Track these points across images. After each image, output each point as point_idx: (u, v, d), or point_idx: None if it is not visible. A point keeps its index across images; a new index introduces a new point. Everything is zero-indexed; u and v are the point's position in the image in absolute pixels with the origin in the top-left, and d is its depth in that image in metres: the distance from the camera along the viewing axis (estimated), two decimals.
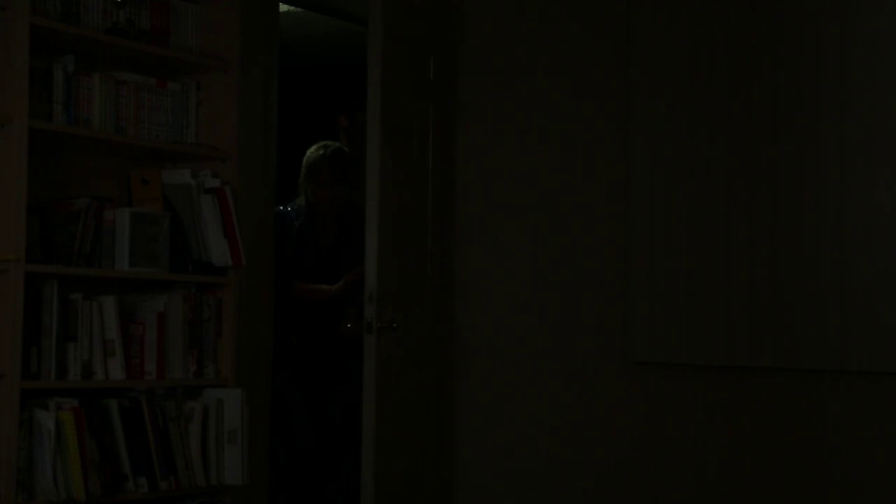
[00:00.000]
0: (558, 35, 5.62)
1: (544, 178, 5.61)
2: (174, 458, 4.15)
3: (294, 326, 5.28)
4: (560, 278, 5.57)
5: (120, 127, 4.17)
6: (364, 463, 4.76)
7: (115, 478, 3.99)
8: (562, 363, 5.55)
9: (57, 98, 3.97)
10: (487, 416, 5.61)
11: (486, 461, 5.62)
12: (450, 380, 5.59)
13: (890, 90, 4.92)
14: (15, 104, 3.80)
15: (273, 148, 5.03)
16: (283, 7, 5.29)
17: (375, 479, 4.76)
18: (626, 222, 5.44)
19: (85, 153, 4.24)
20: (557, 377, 5.55)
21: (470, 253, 5.68)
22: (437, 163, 5.52)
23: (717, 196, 5.24)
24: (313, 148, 5.34)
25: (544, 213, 5.60)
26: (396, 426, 5.04)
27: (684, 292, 5.27)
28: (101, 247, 4.07)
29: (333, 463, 5.29)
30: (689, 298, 5.26)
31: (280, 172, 5.14)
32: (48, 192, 4.06)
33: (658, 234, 5.36)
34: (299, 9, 5.62)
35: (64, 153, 4.19)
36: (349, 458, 5.17)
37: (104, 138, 4.11)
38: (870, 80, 4.96)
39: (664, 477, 5.33)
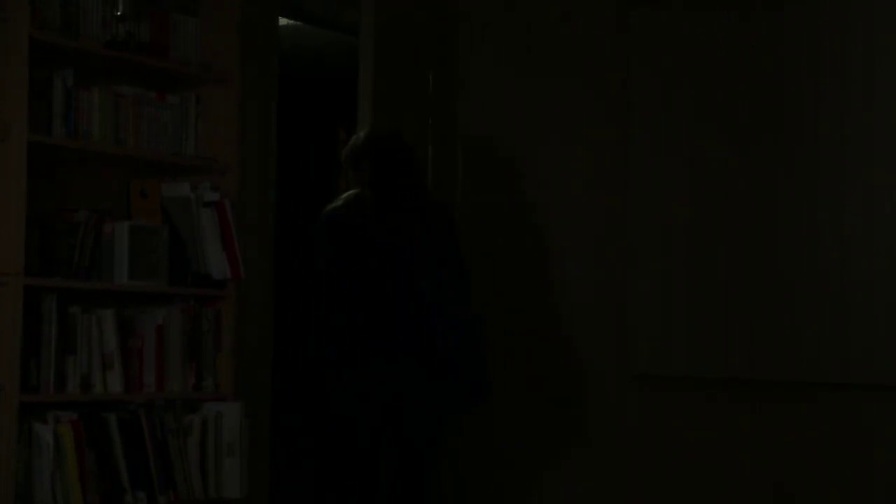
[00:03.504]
0: (557, 37, 5.63)
1: (542, 192, 5.61)
2: (173, 471, 4.14)
3: None
4: (559, 294, 5.57)
5: (119, 140, 4.17)
6: None
7: (113, 491, 3.98)
8: (562, 377, 5.55)
9: (56, 111, 3.97)
10: (490, 426, 5.61)
11: (491, 470, 5.62)
12: None
13: (889, 96, 4.93)
14: (14, 117, 3.80)
15: (273, 160, 5.02)
16: (282, 20, 5.29)
17: None
18: (625, 237, 5.44)
19: (84, 166, 4.24)
20: (558, 391, 5.55)
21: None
22: (436, 173, 5.54)
23: (715, 208, 5.25)
24: None
25: (543, 228, 5.60)
26: None
27: (683, 306, 5.28)
28: (101, 259, 4.07)
29: None
30: (687, 312, 5.27)
31: (279, 185, 5.13)
32: (47, 204, 4.05)
33: (656, 248, 5.36)
34: (298, 22, 5.63)
35: (63, 166, 4.18)
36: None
37: (103, 151, 4.11)
38: (868, 85, 4.97)
39: (665, 488, 5.32)
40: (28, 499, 3.79)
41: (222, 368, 4.36)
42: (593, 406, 5.49)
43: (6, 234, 3.79)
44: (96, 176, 4.29)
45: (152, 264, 4.15)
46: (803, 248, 5.06)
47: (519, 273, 5.61)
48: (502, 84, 5.68)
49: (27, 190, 3.81)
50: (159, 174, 4.39)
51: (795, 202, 5.09)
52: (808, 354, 5.02)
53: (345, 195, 4.42)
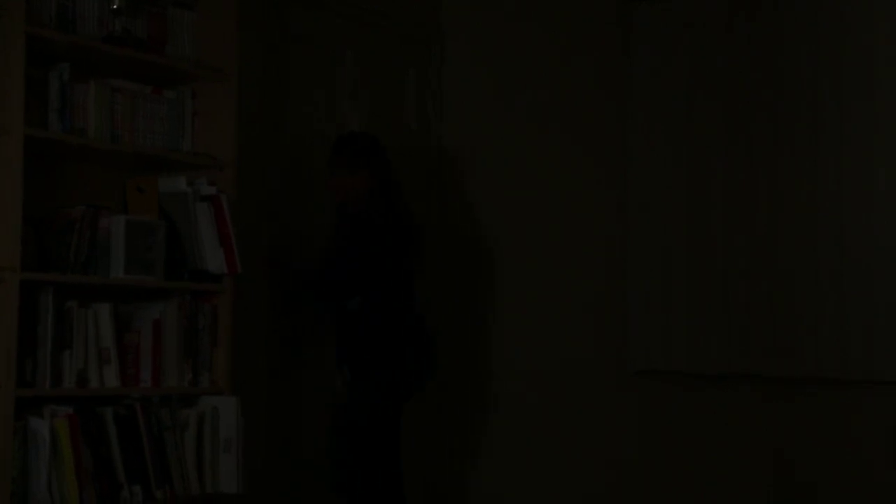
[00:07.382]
0: (557, 36, 5.63)
1: (542, 191, 5.62)
2: (169, 466, 4.14)
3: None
4: (560, 291, 5.58)
5: (115, 135, 4.17)
6: None
7: (110, 487, 3.98)
8: (563, 373, 5.56)
9: (52, 106, 3.97)
10: (492, 424, 5.61)
11: (495, 467, 5.63)
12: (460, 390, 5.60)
13: (889, 96, 4.93)
14: (11, 113, 3.80)
15: (269, 156, 5.02)
16: None
17: None
18: (625, 234, 5.45)
19: (80, 161, 4.24)
20: (559, 387, 5.56)
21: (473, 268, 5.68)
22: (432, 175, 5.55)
23: (714, 207, 5.25)
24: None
25: (544, 226, 5.61)
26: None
27: (682, 302, 5.28)
28: (97, 255, 4.07)
29: None
30: (687, 308, 5.27)
31: (278, 181, 5.12)
32: (44, 200, 4.05)
33: (656, 245, 5.36)
34: None
35: (60, 162, 4.19)
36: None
37: (99, 147, 4.11)
38: (868, 85, 4.97)
39: (663, 484, 5.33)
40: (24, 493, 3.80)
41: (219, 363, 4.36)
42: (593, 402, 5.49)
43: (3, 230, 3.79)
44: (93, 171, 4.28)
45: (149, 259, 4.15)
46: (803, 245, 5.05)
47: (518, 272, 5.62)
48: (501, 84, 5.68)
49: (24, 186, 3.81)
50: (156, 169, 4.39)
51: (795, 200, 5.09)
52: (808, 350, 5.01)
53: (356, 194, 4.65)
